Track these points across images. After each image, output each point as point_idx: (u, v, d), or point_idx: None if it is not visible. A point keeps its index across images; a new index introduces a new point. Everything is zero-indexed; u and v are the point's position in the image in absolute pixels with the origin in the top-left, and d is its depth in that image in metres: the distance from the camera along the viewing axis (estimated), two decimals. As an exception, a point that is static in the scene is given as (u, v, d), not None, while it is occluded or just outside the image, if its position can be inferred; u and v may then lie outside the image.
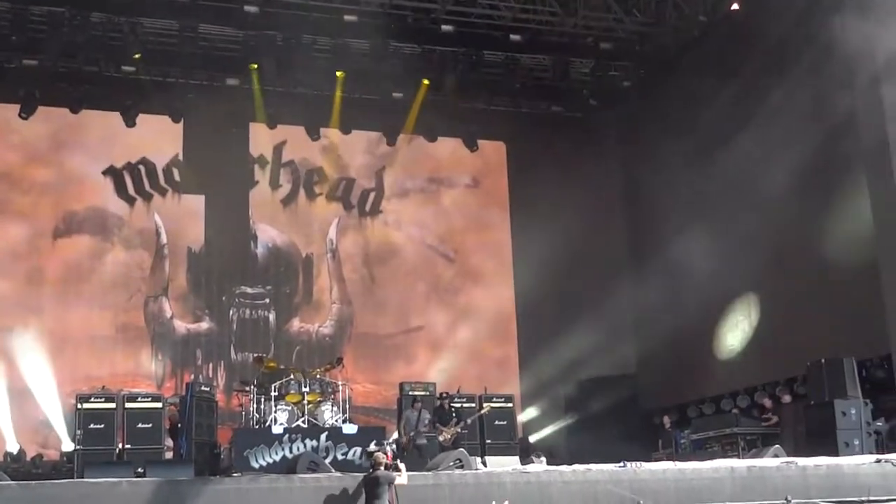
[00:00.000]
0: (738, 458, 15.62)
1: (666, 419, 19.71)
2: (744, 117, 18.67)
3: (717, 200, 19.61)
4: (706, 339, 20.39)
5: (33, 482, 13.18)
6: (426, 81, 21.84)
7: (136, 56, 20.39)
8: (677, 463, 14.39)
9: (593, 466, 13.79)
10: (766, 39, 18.38)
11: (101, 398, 15.13)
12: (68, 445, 17.88)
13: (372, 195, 23.91)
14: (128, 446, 14.77)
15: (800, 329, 17.88)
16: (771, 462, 14.07)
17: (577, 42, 21.39)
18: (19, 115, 21.18)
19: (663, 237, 21.14)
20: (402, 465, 12.75)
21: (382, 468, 12.31)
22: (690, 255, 19.54)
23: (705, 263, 19.13)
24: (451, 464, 13.50)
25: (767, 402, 17.81)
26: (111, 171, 22.14)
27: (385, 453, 13.18)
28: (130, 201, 22.26)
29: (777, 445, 15.05)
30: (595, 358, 21.86)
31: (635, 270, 23.06)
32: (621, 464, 13.66)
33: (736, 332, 20.05)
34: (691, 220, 19.88)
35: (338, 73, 21.61)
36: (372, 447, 14.59)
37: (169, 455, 15.38)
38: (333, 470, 13.79)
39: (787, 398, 17.60)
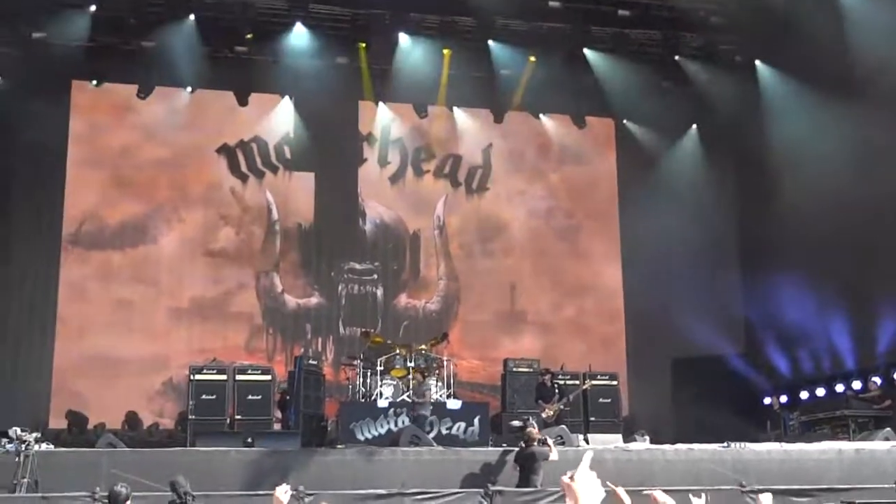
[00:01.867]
0: (848, 440, 15.31)
1: (775, 400, 19.40)
2: (862, 91, 18.05)
3: (838, 174, 18.87)
4: (821, 320, 19.87)
5: (146, 449, 13.70)
6: (533, 58, 21.74)
7: (249, 36, 20.81)
8: (783, 444, 14.21)
9: (696, 446, 13.71)
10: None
11: (213, 370, 15.61)
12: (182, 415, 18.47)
13: (479, 172, 23.97)
14: (238, 417, 15.21)
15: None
16: (881, 445, 13.77)
17: (687, 16, 20.98)
18: (137, 96, 21.82)
19: (777, 219, 20.67)
20: (550, 441, 12.88)
21: (536, 444, 12.45)
22: (803, 237, 19.12)
23: (826, 240, 18.61)
24: (553, 440, 13.56)
25: (873, 386, 17.33)
26: (224, 149, 22.67)
27: (534, 427, 13.23)
28: (243, 178, 22.76)
29: (888, 429, 14.72)
30: (704, 337, 21.57)
31: (747, 254, 22.65)
32: (725, 444, 13.54)
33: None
34: (809, 197, 19.26)
35: (444, 51, 21.69)
36: (516, 423, 14.60)
37: (277, 427, 15.78)
38: (435, 444, 13.99)
39: (901, 381, 17.15)
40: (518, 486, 12.56)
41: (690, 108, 23.01)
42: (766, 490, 9.56)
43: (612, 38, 21.96)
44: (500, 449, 13.60)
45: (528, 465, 12.55)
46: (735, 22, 21.11)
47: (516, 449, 13.02)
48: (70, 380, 20.40)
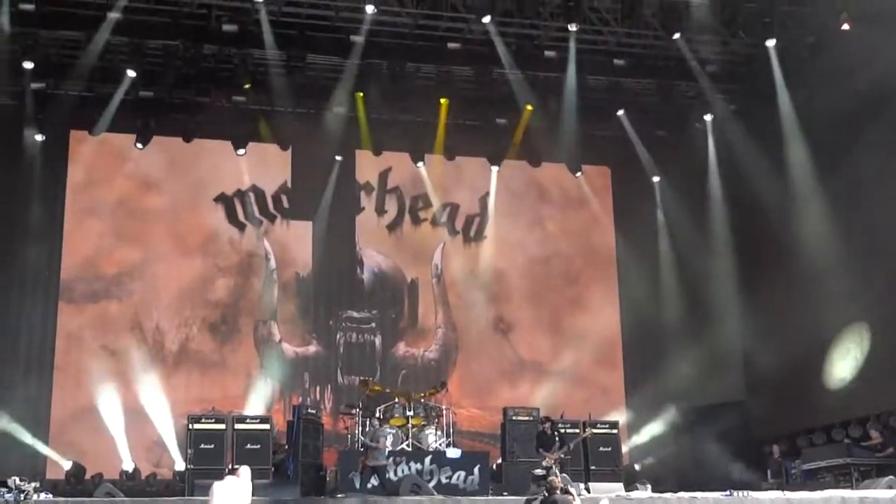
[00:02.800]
0: (851, 488, 15.22)
1: (776, 448, 19.31)
2: (854, 140, 18.24)
3: (828, 228, 19.05)
4: (817, 368, 19.85)
5: (145, 499, 13.59)
6: (529, 107, 21.88)
7: (247, 86, 20.94)
8: (786, 492, 14.14)
9: (699, 494, 13.63)
10: (878, 59, 17.88)
11: (211, 419, 15.55)
12: (180, 465, 18.35)
13: (477, 220, 24.04)
14: (236, 466, 15.08)
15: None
16: (885, 493, 13.70)
17: (682, 65, 21.14)
18: (135, 145, 21.88)
19: (773, 264, 20.74)
20: (572, 489, 12.79)
21: (559, 492, 12.36)
22: (801, 283, 19.16)
23: (818, 290, 18.71)
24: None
25: (874, 434, 17.26)
26: (222, 198, 22.74)
27: (556, 476, 13.11)
28: (241, 227, 22.79)
29: (891, 476, 14.65)
30: (703, 385, 21.52)
31: (745, 297, 22.66)
32: (728, 492, 13.47)
33: (847, 360, 19.50)
34: (802, 249, 19.41)
35: (441, 100, 21.83)
36: (539, 471, 14.45)
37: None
38: (436, 493, 13.90)
39: (901, 428, 17.10)
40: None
41: (685, 155, 23.09)
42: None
43: (607, 86, 22.12)
44: (502, 498, 13.51)
45: None
46: (728, 71, 21.34)
47: (539, 497, 12.93)
48: (68, 429, 20.28)
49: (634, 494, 14.57)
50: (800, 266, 19.32)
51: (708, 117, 22.45)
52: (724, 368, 21.96)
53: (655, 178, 23.59)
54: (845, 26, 18.50)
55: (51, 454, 19.85)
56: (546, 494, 12.45)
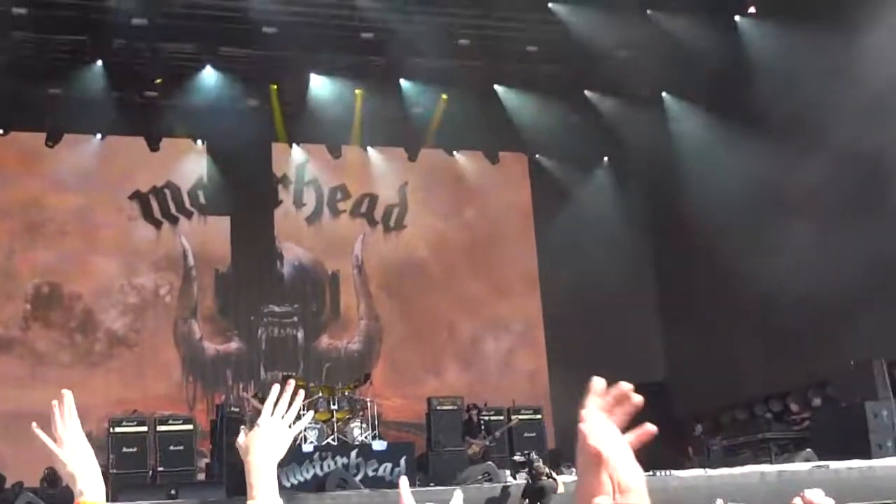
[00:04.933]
0: (770, 463, 15.56)
1: (698, 427, 19.64)
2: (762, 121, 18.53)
3: (747, 201, 19.23)
4: (737, 345, 20.22)
5: (67, 508, 13.32)
6: (445, 95, 21.89)
7: (158, 81, 20.61)
8: (707, 470, 14.38)
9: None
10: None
11: (133, 422, 15.30)
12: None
13: (396, 210, 24.02)
14: (160, 469, 14.91)
15: (830, 331, 17.71)
16: (802, 466, 14.03)
17: (594, 51, 21.26)
18: (45, 144, 21.42)
19: (690, 244, 21.04)
20: (556, 476, 12.87)
21: (544, 478, 12.42)
22: (721, 260, 19.44)
23: (737, 266, 18.97)
24: (480, 477, 13.56)
25: (794, 407, 17.71)
26: (137, 196, 22.37)
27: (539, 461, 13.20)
28: (157, 225, 22.46)
29: (809, 450, 15.00)
30: (624, 365, 21.77)
31: (662, 278, 23.00)
32: (650, 472, 13.63)
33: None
34: (724, 222, 19.62)
35: (357, 91, 21.74)
36: (518, 457, 14.48)
37: (201, 476, 15.51)
38: (363, 487, 13.89)
39: (817, 401, 17.53)
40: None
41: (600, 141, 23.33)
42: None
43: (521, 73, 22.22)
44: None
45: (539, 500, 12.55)
46: (641, 55, 21.52)
47: (522, 483, 13.01)
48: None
49: (562, 479, 14.70)
50: (715, 244, 19.57)
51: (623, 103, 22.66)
52: (644, 349, 22.28)
53: (572, 166, 23.78)
54: None
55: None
56: (530, 481, 12.54)
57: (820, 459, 14.35)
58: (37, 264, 21.45)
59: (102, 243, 21.95)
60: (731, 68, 19.34)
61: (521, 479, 14.68)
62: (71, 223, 21.82)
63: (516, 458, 14.88)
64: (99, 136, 21.76)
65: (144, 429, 15.09)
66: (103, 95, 20.63)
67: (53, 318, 21.31)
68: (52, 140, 21.41)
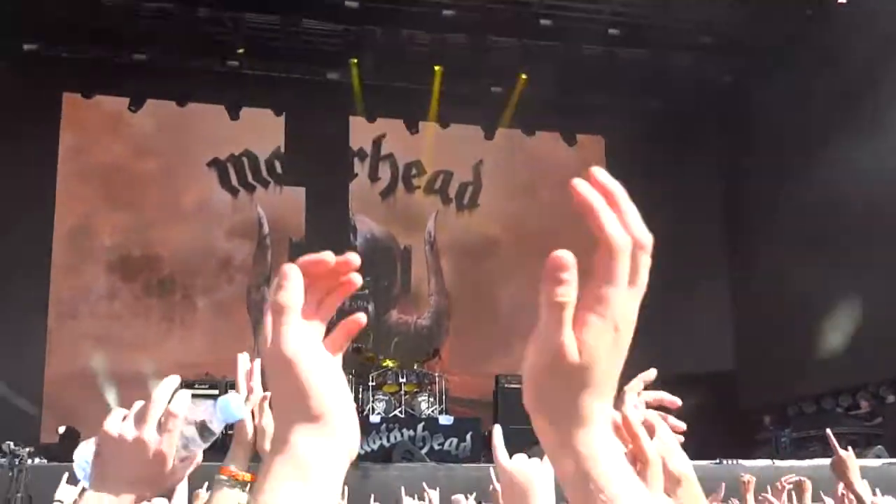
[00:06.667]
0: (840, 457, 15.34)
1: (766, 418, 19.45)
2: (853, 115, 18.18)
3: (823, 199, 18.98)
4: (809, 337, 19.92)
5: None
6: (524, 76, 21.82)
7: (240, 51, 20.84)
8: (775, 461, 14.24)
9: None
10: (875, 32, 17.80)
11: (204, 385, 15.56)
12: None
13: (470, 188, 24.03)
14: (229, 431, 15.12)
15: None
16: (873, 462, 13.82)
17: (677, 36, 21.07)
18: (128, 109, 21.80)
19: (765, 234, 20.78)
20: None
21: None
22: (794, 254, 19.17)
23: (810, 260, 18.71)
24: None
25: (864, 404, 17.43)
26: (215, 163, 22.68)
27: None
28: (234, 192, 22.76)
29: (880, 446, 14.79)
30: (691, 353, 21.60)
31: (735, 267, 22.71)
32: (717, 461, 13.56)
33: (838, 330, 19.56)
34: (796, 218, 19.40)
35: (436, 68, 21.75)
36: None
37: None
38: (428, 459, 14.00)
39: (891, 398, 17.24)
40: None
41: (679, 126, 23.07)
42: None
43: (601, 56, 22.03)
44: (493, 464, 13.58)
45: None
46: (725, 43, 21.26)
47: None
48: (62, 394, 20.30)
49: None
50: (788, 239, 19.30)
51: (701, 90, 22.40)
52: (714, 337, 22.05)
53: (648, 150, 23.55)
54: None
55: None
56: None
57: (891, 457, 14.14)
58: (116, 227, 21.87)
59: (180, 208, 22.30)
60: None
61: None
62: (150, 189, 22.18)
63: None
64: (181, 103, 22.02)
65: (216, 392, 15.31)
66: (186, 63, 20.90)
67: (130, 280, 21.72)
68: (135, 105, 21.77)
